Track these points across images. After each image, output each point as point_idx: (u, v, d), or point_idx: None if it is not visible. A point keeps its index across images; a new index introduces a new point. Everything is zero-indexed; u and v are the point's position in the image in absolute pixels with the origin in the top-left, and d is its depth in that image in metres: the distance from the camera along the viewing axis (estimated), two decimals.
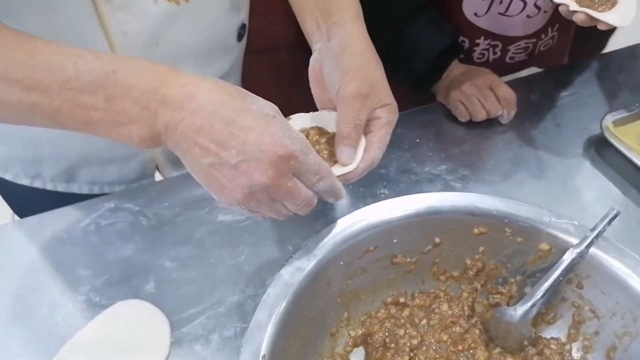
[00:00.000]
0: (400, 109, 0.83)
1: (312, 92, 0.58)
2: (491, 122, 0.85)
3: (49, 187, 0.80)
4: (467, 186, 0.75)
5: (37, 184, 0.79)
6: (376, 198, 0.73)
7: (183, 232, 0.69)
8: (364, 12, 0.92)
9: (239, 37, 0.75)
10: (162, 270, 0.65)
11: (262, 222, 0.70)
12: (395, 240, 0.56)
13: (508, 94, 0.82)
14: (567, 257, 0.52)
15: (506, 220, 0.55)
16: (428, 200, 0.57)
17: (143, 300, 0.62)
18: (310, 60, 0.59)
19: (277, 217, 0.49)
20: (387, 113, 0.55)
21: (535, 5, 0.84)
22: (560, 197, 0.74)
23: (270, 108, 0.46)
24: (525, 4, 0.84)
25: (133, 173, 0.81)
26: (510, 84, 0.86)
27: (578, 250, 0.52)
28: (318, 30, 0.58)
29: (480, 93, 0.82)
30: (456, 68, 0.87)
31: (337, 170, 0.52)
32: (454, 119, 0.85)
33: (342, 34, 0.56)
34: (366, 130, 0.54)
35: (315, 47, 0.58)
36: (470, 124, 0.84)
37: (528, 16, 0.86)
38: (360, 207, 0.72)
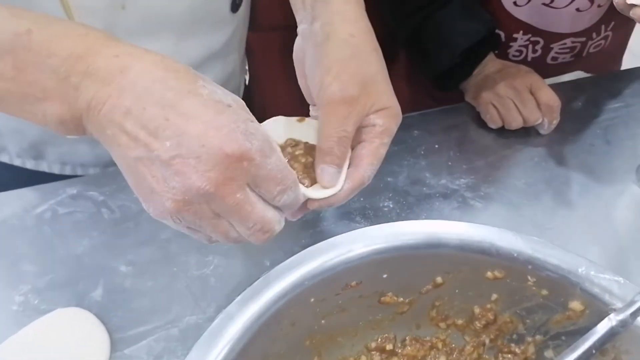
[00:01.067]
0: (419, 107, 0.71)
1: (300, 85, 0.47)
2: (526, 132, 0.72)
3: (17, 162, 0.71)
4: (489, 207, 0.63)
5: (4, 159, 0.71)
6: (377, 211, 0.62)
7: (147, 230, 0.60)
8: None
9: (234, 7, 0.64)
10: (115, 275, 0.56)
11: None
12: (385, 276, 0.45)
13: (551, 99, 0.69)
14: (605, 325, 0.40)
15: (530, 267, 0.43)
16: (432, 229, 0.45)
17: (87, 309, 0.53)
18: (294, 46, 0.47)
19: (225, 241, 0.38)
20: (383, 119, 0.43)
21: None
22: (603, 240, 0.61)
23: (225, 95, 0.35)
24: None
25: (107, 155, 0.71)
26: (551, 88, 0.73)
27: (621, 317, 0.40)
28: (302, 8, 0.46)
29: (517, 96, 0.69)
30: (491, 64, 0.74)
31: (316, 192, 0.41)
32: (482, 124, 0.73)
33: (327, 15, 0.44)
34: (357, 139, 0.43)
35: (299, 28, 0.46)
36: (502, 131, 0.72)
37: (578, 10, 0.72)
38: (358, 221, 0.61)
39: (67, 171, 0.72)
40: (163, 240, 0.59)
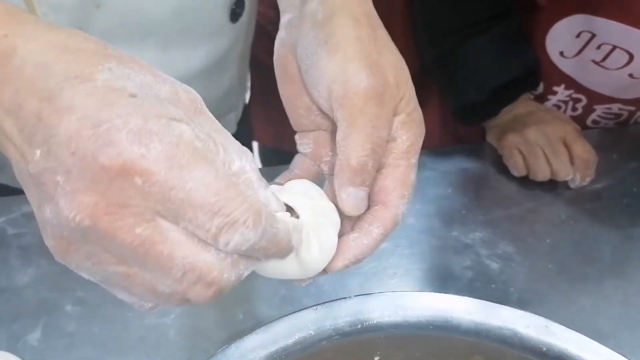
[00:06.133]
0: (431, 144, 0.63)
1: (280, 94, 0.35)
2: (554, 183, 0.64)
3: None
4: (507, 271, 0.54)
5: None
6: (374, 266, 0.53)
7: None
8: (419, 12, 0.74)
9: (233, 17, 0.57)
10: (58, 316, 0.48)
11: None
12: (376, 359, 0.36)
13: (587, 153, 0.60)
14: None
15: None
16: (441, 305, 0.36)
17: (18, 356, 0.45)
18: (275, 46, 0.35)
19: (159, 302, 0.27)
20: (407, 131, 0.32)
21: None
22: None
23: (136, 81, 0.25)
24: (631, 57, 0.62)
25: None
26: (586, 135, 0.64)
27: None
28: None
29: (548, 145, 0.61)
30: (523, 104, 0.66)
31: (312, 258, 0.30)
32: (504, 170, 0.64)
33: None
34: None
35: (283, 19, 0.35)
36: (526, 181, 0.63)
37: (631, 76, 0.63)
38: (349, 273, 0.53)
39: None
40: None
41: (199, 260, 0.25)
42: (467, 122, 0.70)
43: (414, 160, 0.32)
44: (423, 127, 0.33)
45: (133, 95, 0.24)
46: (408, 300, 0.36)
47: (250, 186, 0.26)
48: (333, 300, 0.36)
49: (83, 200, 0.23)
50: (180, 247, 0.24)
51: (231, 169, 0.26)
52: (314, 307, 0.35)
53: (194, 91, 0.27)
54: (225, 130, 0.27)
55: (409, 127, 0.32)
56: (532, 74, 0.67)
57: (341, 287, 0.51)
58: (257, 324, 0.46)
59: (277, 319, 0.35)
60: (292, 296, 0.50)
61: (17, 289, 0.49)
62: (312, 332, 0.34)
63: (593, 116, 0.71)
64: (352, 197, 0.31)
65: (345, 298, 0.36)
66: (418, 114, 0.32)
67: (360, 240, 0.31)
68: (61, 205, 0.23)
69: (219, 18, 0.56)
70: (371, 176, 0.31)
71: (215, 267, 0.25)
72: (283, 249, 0.27)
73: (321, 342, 0.35)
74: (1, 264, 0.51)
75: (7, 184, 0.63)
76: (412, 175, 0.32)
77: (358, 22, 0.32)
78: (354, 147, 0.30)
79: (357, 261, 0.31)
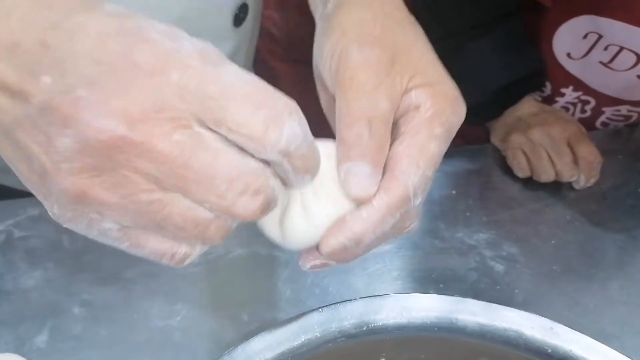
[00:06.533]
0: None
1: (321, 102, 0.33)
2: (559, 184, 0.63)
3: None
4: (511, 272, 0.54)
5: None
6: (378, 268, 0.53)
7: (110, 267, 0.51)
8: (423, 13, 0.73)
9: (237, 21, 0.57)
10: (65, 318, 0.48)
11: (218, 271, 0.52)
12: None
13: (591, 154, 0.60)
14: None
15: None
16: (446, 306, 0.36)
17: (25, 357, 0.45)
18: (313, 51, 0.33)
19: (199, 239, 0.24)
20: (432, 98, 0.29)
21: None
22: None
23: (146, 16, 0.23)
24: (638, 58, 0.62)
25: None
26: (591, 136, 0.64)
27: None
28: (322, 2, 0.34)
29: (552, 146, 0.60)
30: (527, 105, 0.66)
31: (327, 210, 0.27)
32: (508, 171, 0.64)
33: None
34: (393, 135, 0.28)
35: (317, 29, 0.33)
36: (530, 181, 0.63)
37: (639, 77, 0.63)
38: (355, 273, 0.53)
39: None
40: (127, 280, 0.50)
41: (244, 165, 0.22)
42: (471, 123, 0.70)
43: (438, 130, 0.28)
44: (458, 103, 0.30)
45: (145, 16, 0.22)
46: (413, 302, 0.36)
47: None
48: (338, 302, 0.36)
49: (116, 106, 0.20)
50: (223, 153, 0.22)
51: None
52: (320, 309, 0.36)
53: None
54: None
55: (433, 96, 0.29)
56: (536, 75, 0.66)
57: (346, 288, 0.51)
58: (262, 325, 0.47)
59: (283, 321, 0.35)
60: (297, 298, 0.50)
61: (24, 292, 0.49)
62: (317, 334, 0.34)
63: (602, 118, 0.70)
64: (352, 174, 0.27)
65: (350, 300, 0.36)
66: (448, 87, 0.30)
67: (357, 214, 0.27)
68: (86, 120, 0.20)
69: (223, 23, 0.56)
70: (373, 150, 0.27)
71: (262, 173, 0.23)
72: (312, 169, 0.25)
73: (327, 344, 0.35)
74: (8, 267, 0.51)
75: (13, 186, 0.63)
76: (433, 145, 0.28)
77: (365, 7, 0.31)
78: (345, 118, 0.27)
79: (356, 239, 0.27)
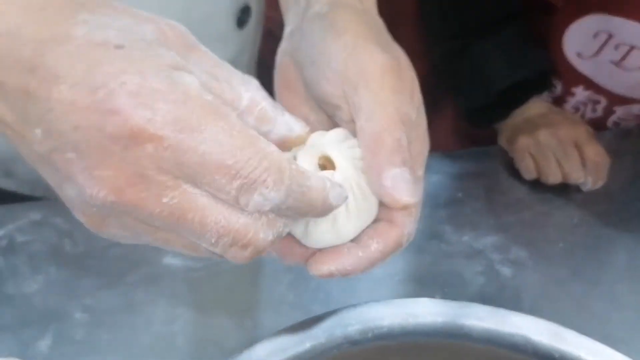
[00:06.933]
0: (439, 146, 0.62)
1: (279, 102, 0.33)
2: (566, 186, 0.62)
3: None
4: (519, 276, 0.53)
5: None
6: (384, 271, 0.53)
7: (112, 271, 0.51)
8: (428, 14, 0.73)
9: (240, 23, 0.56)
10: (68, 323, 0.48)
11: (221, 276, 0.51)
12: None
13: (599, 156, 0.59)
14: None
15: None
16: (453, 311, 0.35)
17: None
18: (278, 53, 0.33)
19: (205, 255, 0.25)
20: (416, 136, 0.29)
21: None
22: None
23: (117, 28, 0.22)
24: None
25: None
26: (599, 137, 0.63)
27: None
28: (295, 3, 0.33)
29: (560, 148, 0.60)
30: (535, 106, 0.65)
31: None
32: (515, 173, 0.63)
33: None
34: None
35: (286, 31, 0.33)
36: (537, 184, 0.62)
37: None
38: (358, 279, 0.52)
39: (38, 193, 0.64)
40: (128, 284, 0.50)
41: (232, 222, 0.23)
42: (478, 125, 0.70)
43: (421, 172, 0.29)
44: (428, 138, 0.30)
45: (119, 47, 0.22)
46: (419, 307, 0.36)
47: (268, 120, 0.25)
48: (343, 308, 0.35)
49: (101, 175, 0.21)
50: (210, 211, 0.23)
51: (241, 103, 0.24)
52: (324, 315, 0.35)
53: (178, 25, 0.25)
54: (224, 62, 0.25)
55: (416, 132, 0.29)
56: (543, 77, 0.66)
57: (350, 293, 0.50)
58: (265, 331, 0.46)
59: (287, 327, 0.34)
60: (301, 303, 0.49)
61: (26, 297, 0.49)
62: (323, 340, 0.34)
63: (613, 118, 0.69)
64: (399, 179, 0.26)
65: (355, 305, 0.35)
66: (424, 121, 0.30)
67: (355, 251, 0.28)
68: (81, 183, 0.22)
69: (226, 25, 0.56)
70: (413, 156, 0.27)
71: (250, 228, 0.23)
72: (318, 207, 0.25)
73: (332, 351, 0.34)
74: (10, 272, 0.51)
75: (15, 190, 0.63)
76: (419, 187, 0.29)
77: (363, 14, 0.31)
78: (383, 122, 0.27)
79: (346, 272, 0.28)
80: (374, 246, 0.28)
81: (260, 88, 0.26)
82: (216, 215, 0.23)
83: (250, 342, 0.34)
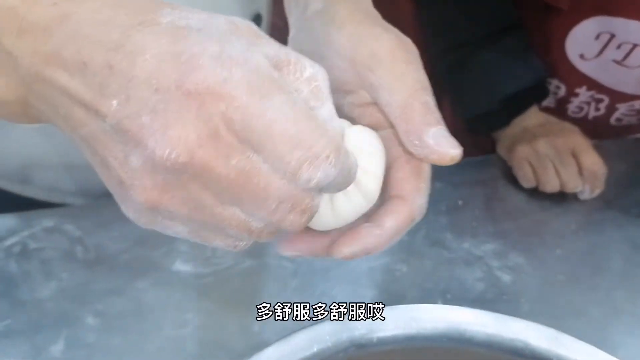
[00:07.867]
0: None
1: None
2: (564, 195, 0.64)
3: (1, 185, 0.65)
4: (518, 282, 0.55)
5: None
6: (388, 275, 0.54)
7: (122, 276, 0.52)
8: (429, 23, 0.74)
9: None
10: (80, 328, 0.49)
11: (229, 281, 0.52)
12: None
13: (596, 165, 0.61)
14: None
15: None
16: (455, 317, 0.37)
17: None
18: None
19: (255, 239, 0.27)
20: None
21: None
22: None
23: (195, 20, 0.24)
24: None
25: (97, 185, 0.65)
26: (596, 146, 0.64)
27: None
28: (295, 4, 0.35)
29: (557, 157, 0.61)
30: (533, 116, 0.66)
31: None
32: (513, 181, 0.65)
33: None
34: None
35: (292, 31, 0.35)
36: (535, 192, 0.64)
37: None
38: (362, 283, 0.53)
39: (55, 199, 0.65)
40: (139, 289, 0.51)
41: (292, 188, 0.24)
42: (478, 133, 0.71)
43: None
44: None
45: (199, 30, 0.23)
46: (422, 313, 0.37)
47: (320, 97, 0.25)
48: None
49: (174, 135, 0.22)
50: (273, 177, 0.24)
51: (303, 75, 0.25)
52: (330, 319, 0.36)
53: (247, 20, 0.26)
54: (290, 50, 0.26)
55: None
56: (542, 86, 0.67)
57: (354, 298, 0.51)
58: (273, 335, 0.48)
59: (294, 332, 0.36)
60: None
61: (39, 302, 0.50)
62: (329, 344, 0.35)
63: (616, 114, 0.70)
64: (440, 136, 0.28)
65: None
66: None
67: (372, 230, 0.29)
68: (152, 146, 0.22)
69: None
70: (440, 116, 0.29)
71: (307, 195, 0.25)
72: (348, 184, 0.26)
73: (338, 355, 0.36)
74: (23, 277, 0.52)
75: (32, 196, 0.65)
76: (427, 166, 0.30)
77: (358, 3, 0.32)
78: (407, 91, 0.28)
79: (367, 252, 0.29)
80: (389, 223, 0.29)
81: (326, 79, 0.26)
82: (277, 181, 0.24)
83: (259, 346, 0.35)
